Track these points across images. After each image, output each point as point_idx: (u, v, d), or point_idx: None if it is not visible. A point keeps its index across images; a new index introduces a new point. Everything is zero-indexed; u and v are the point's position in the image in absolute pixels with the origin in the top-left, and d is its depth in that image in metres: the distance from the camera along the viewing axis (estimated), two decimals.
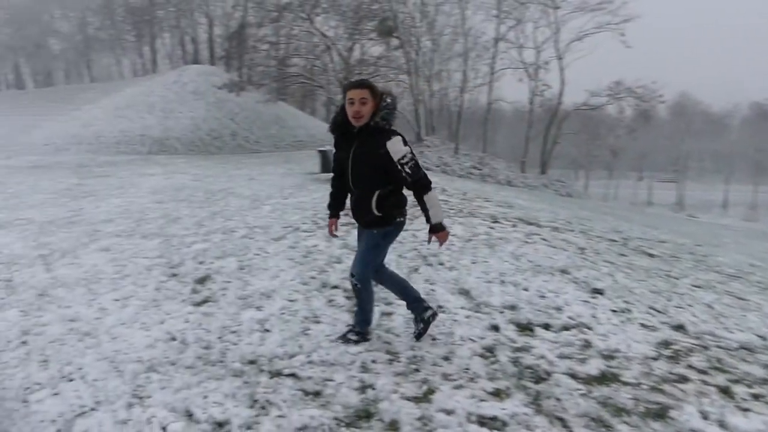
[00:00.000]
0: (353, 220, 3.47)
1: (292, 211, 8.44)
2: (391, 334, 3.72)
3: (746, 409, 2.86)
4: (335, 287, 4.66)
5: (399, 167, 3.11)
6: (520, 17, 31.63)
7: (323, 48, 26.03)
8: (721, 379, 3.20)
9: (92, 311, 4.13)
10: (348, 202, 3.50)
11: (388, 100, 3.18)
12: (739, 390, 3.07)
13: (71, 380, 3.03)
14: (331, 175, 3.58)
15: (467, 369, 3.23)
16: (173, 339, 3.62)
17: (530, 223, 7.96)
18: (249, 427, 2.56)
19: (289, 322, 3.87)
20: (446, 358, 3.36)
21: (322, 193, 10.67)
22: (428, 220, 3.26)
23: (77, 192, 10.83)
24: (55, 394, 2.87)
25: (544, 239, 6.71)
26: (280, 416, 2.65)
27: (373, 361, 3.28)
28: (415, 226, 7.29)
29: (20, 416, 2.65)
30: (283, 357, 3.33)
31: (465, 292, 4.61)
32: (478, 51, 36.53)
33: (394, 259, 5.59)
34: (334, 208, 3.62)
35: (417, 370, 3.18)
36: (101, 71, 58.97)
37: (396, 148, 3.11)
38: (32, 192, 10.82)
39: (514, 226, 7.47)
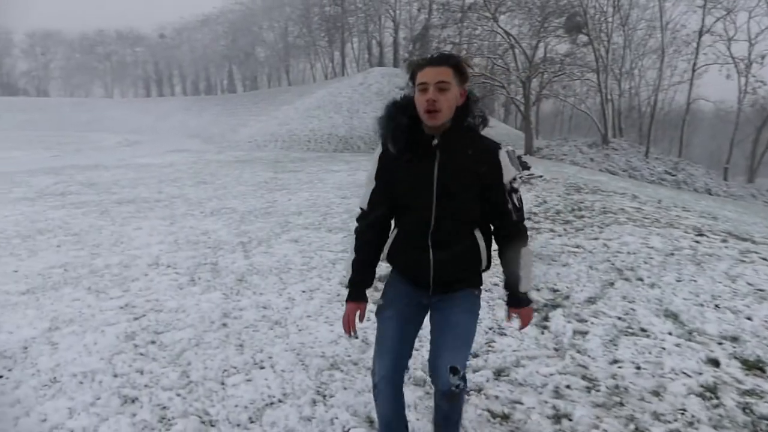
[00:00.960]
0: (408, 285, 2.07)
1: None
2: (587, 356, 3.29)
3: None
4: None
5: (507, 194, 1.93)
6: (731, 7, 27.93)
7: (506, 47, 25.46)
8: None
9: (282, 300, 4.32)
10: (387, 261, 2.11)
11: (474, 92, 1.98)
12: None
13: (262, 368, 3.13)
14: (356, 225, 2.13)
15: (683, 410, 2.70)
16: (356, 337, 3.60)
17: (743, 239, 6.78)
18: None
19: None
20: (656, 393, 2.86)
21: None
22: (516, 285, 2.02)
23: (272, 185, 11.81)
24: (248, 380, 2.98)
25: (764, 259, 5.64)
26: None
27: (568, 387, 2.90)
28: (606, 234, 6.62)
29: (218, 398, 2.78)
30: (468, 372, 3.10)
31: (672, 316, 3.97)
32: (677, 46, 33.02)
33: (584, 271, 5.07)
34: (361, 285, 2.14)
35: (621, 404, 2.74)
36: (297, 75, 64.75)
37: (509, 165, 1.92)
38: (236, 183, 12.04)
39: (723, 241, 6.41)
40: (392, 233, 2.07)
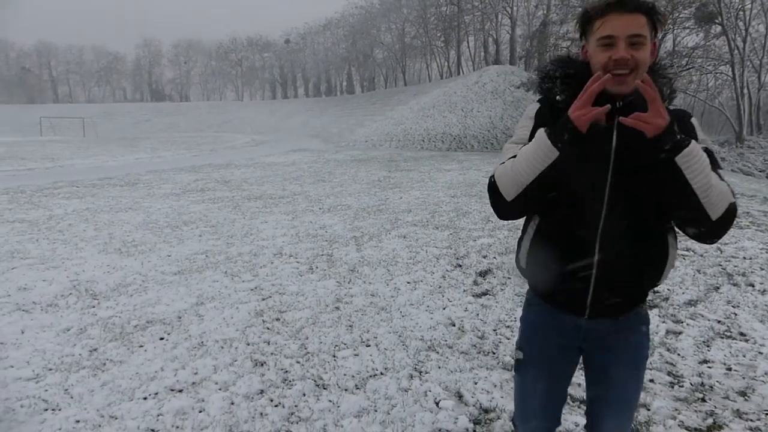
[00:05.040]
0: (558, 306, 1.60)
1: None
2: (676, 354, 3.37)
3: None
4: None
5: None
6: None
7: None
8: None
9: (388, 290, 4.76)
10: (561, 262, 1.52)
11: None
12: None
13: (368, 346, 3.57)
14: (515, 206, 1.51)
15: None
16: (453, 324, 3.94)
17: None
18: (512, 419, 2.66)
19: None
20: (742, 394, 2.91)
21: None
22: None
23: (385, 183, 12.39)
24: (356, 355, 3.43)
25: None
26: None
27: (651, 380, 3.03)
28: (722, 238, 6.36)
29: (330, 367, 3.26)
30: None
31: None
32: None
33: (690, 274, 5.00)
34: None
35: (702, 400, 2.84)
36: (413, 75, 65.76)
37: (702, 134, 1.48)
38: (352, 182, 12.78)
39: None
40: (528, 236, 1.55)
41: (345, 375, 3.16)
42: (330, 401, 2.86)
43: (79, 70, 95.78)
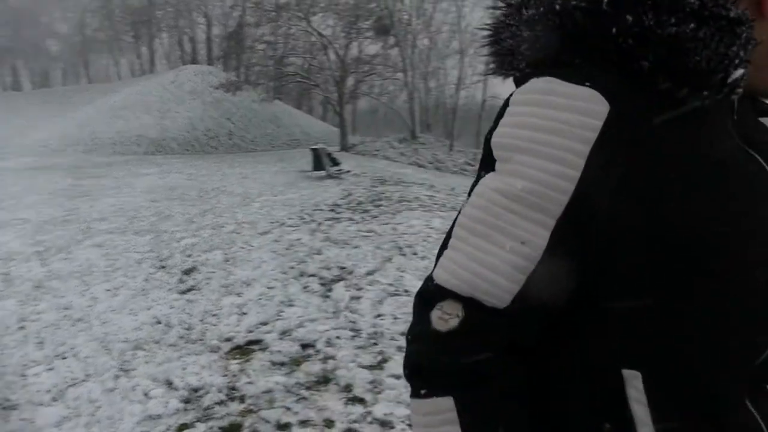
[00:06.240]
0: None
1: (280, 207, 8.81)
2: (357, 314, 4.06)
3: None
4: (312, 275, 5.00)
5: None
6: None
7: (320, 47, 26.36)
8: None
9: (84, 300, 4.47)
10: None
11: None
12: None
13: (64, 358, 3.37)
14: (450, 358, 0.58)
15: None
16: (158, 322, 3.96)
17: None
18: (219, 391, 2.90)
19: (265, 306, 4.21)
20: (403, 334, 3.70)
21: (312, 190, 11.02)
22: None
23: (73, 192, 11.15)
24: (50, 369, 3.21)
25: None
26: (249, 383, 2.99)
27: (338, 337, 3.63)
28: (397, 219, 7.65)
29: (19, 387, 3.00)
30: (257, 335, 3.67)
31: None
32: (476, 48, 36.93)
33: (371, 251, 5.93)
34: None
35: (375, 344, 3.53)
36: (99, 72, 59.33)
37: None
38: (28, 193, 11.13)
39: None
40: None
41: (39, 390, 2.95)
42: (23, 419, 2.66)
43: None
